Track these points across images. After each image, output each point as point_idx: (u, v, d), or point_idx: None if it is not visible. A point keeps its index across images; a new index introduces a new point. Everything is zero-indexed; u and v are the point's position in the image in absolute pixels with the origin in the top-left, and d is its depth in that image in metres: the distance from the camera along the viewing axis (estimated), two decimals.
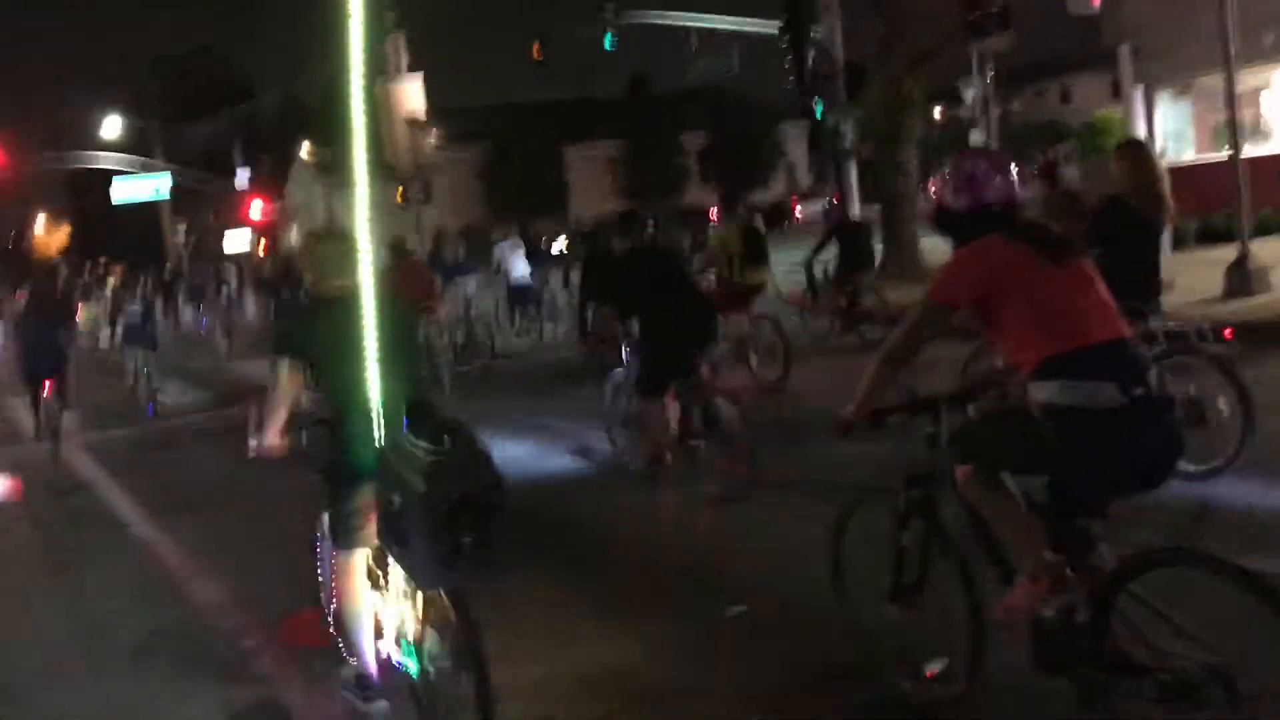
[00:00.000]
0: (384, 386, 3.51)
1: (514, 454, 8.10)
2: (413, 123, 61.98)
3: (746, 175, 57.49)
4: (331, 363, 3.84)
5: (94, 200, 70.98)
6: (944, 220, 3.46)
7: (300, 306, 12.71)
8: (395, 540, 3.39)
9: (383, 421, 3.50)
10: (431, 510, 3.14)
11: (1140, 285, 4.94)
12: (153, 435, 12.53)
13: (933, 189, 3.67)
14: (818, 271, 12.47)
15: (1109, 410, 2.97)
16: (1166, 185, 5.79)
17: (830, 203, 15.22)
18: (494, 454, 3.39)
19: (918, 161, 18.07)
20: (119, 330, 15.52)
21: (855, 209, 18.43)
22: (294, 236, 60.08)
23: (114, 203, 43.09)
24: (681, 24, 26.86)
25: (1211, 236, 14.44)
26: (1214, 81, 13.29)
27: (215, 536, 7.37)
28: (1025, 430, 3.16)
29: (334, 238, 4.16)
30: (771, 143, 59.77)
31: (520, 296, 17.06)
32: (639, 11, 28.13)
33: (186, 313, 30.78)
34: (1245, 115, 15.83)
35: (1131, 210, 5.71)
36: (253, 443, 4.01)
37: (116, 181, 42.10)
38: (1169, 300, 6.09)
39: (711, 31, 26.46)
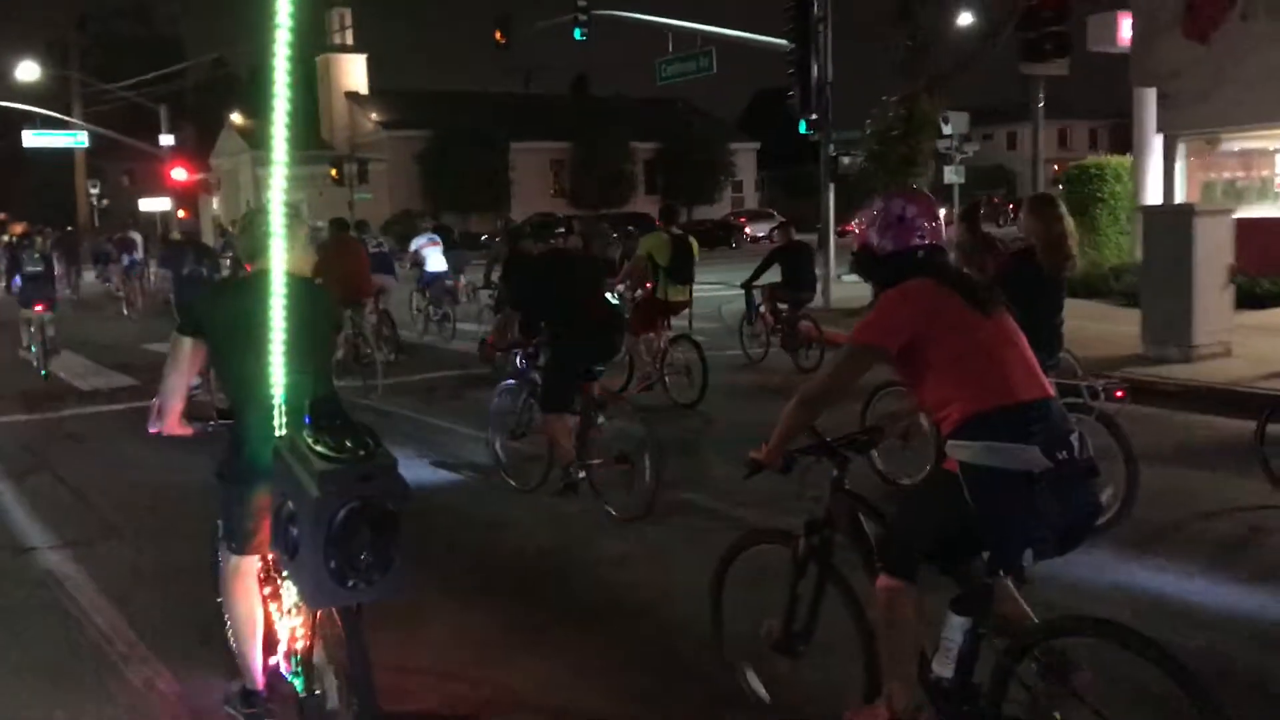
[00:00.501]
0: (288, 378, 3.28)
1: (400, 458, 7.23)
2: (352, 99, 60.44)
3: (693, 189, 56.45)
4: (233, 346, 3.57)
5: (1, 151, 68.02)
6: (866, 261, 3.35)
7: (205, 280, 11.85)
8: (286, 549, 3.12)
9: (283, 417, 3.28)
10: (325, 519, 2.92)
11: (1042, 338, 4.72)
12: (57, 422, 10.63)
13: (856, 227, 3.55)
14: (758, 296, 12.19)
15: (1031, 473, 2.88)
16: (1074, 241, 5.93)
17: (779, 224, 14.24)
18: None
19: (929, 186, 17.06)
20: (15, 286, 14.52)
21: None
22: (216, 205, 57.75)
23: (25, 147, 40.60)
24: (658, 23, 25.62)
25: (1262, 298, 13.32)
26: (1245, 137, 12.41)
27: (147, 562, 6.08)
28: (942, 503, 3.08)
29: (265, 212, 3.70)
30: (721, 159, 58.68)
31: (435, 290, 16.22)
32: (614, 10, 27.06)
33: (88, 276, 29.68)
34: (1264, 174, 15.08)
35: (1039, 263, 5.79)
36: (154, 426, 3.79)
37: (30, 130, 40.66)
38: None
39: (696, 35, 25.28)
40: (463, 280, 17.27)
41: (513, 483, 7.18)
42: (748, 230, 47.57)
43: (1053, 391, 3.14)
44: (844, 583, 3.46)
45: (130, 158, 64.91)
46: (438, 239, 16.71)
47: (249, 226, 3.79)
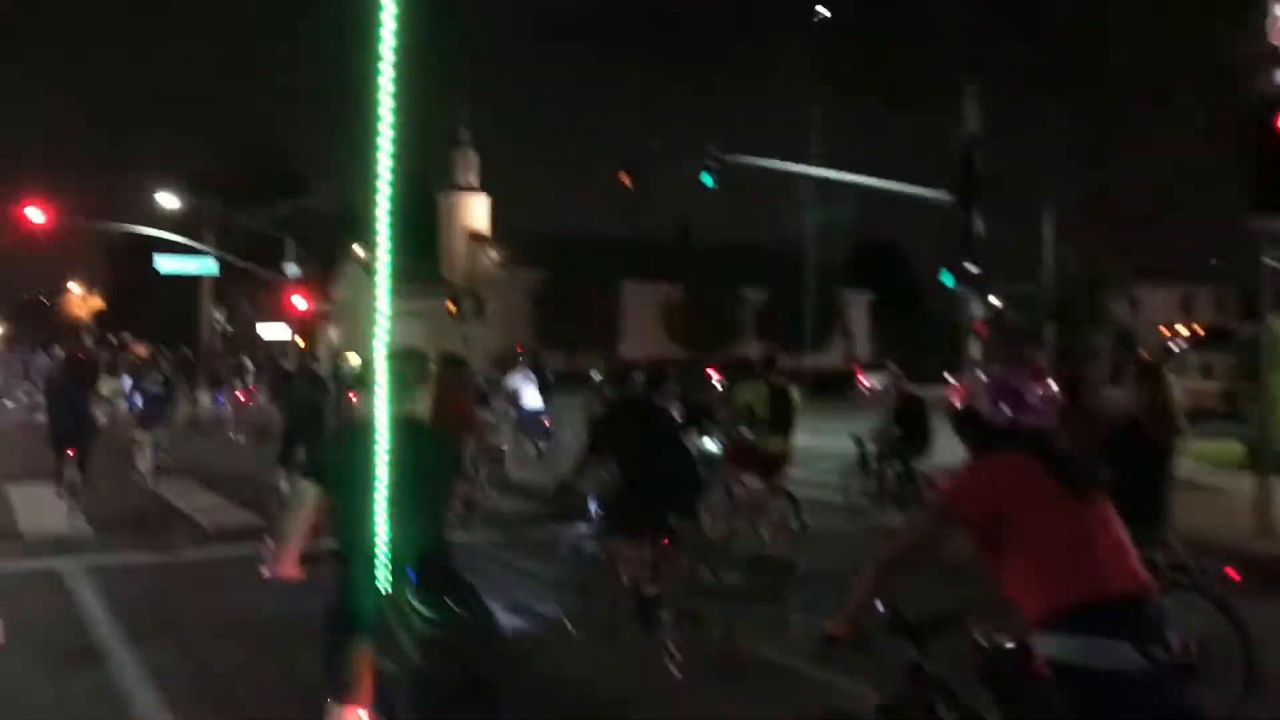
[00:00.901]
0: (399, 528, 3.12)
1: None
2: (473, 238, 61.94)
3: (803, 337, 55.75)
4: (347, 491, 3.52)
5: (132, 274, 71.08)
6: (969, 426, 3.21)
7: (312, 405, 11.93)
8: (384, 712, 3.13)
9: (388, 570, 3.14)
10: (425, 689, 2.95)
11: (1145, 512, 4.57)
12: (183, 569, 9.71)
13: (963, 389, 3.35)
14: (872, 448, 12.06)
15: (1122, 673, 2.69)
16: (1179, 409, 5.82)
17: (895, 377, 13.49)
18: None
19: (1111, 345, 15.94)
20: (134, 406, 15.27)
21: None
22: (334, 335, 58.97)
23: (160, 272, 42.29)
24: (795, 171, 25.35)
25: None
26: None
27: None
28: (1027, 701, 2.89)
29: (410, 356, 3.93)
30: (832, 307, 58.04)
31: (529, 426, 16.53)
32: (748, 156, 27.11)
33: (203, 398, 30.03)
34: None
35: (1144, 433, 5.68)
36: (266, 571, 3.76)
37: (160, 257, 41.60)
38: None
39: (831, 182, 24.93)
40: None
41: (571, 630, 7.06)
42: (862, 381, 46.45)
43: (1150, 583, 2.95)
44: None
45: (254, 285, 67.13)
46: (533, 376, 17.10)
47: (389, 369, 3.58)
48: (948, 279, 17.86)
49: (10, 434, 21.99)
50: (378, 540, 3.14)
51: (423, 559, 3.25)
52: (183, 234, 44.50)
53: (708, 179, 27.16)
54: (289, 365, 22.92)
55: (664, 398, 12.01)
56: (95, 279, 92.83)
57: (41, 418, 13.85)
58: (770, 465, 9.89)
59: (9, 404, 25.52)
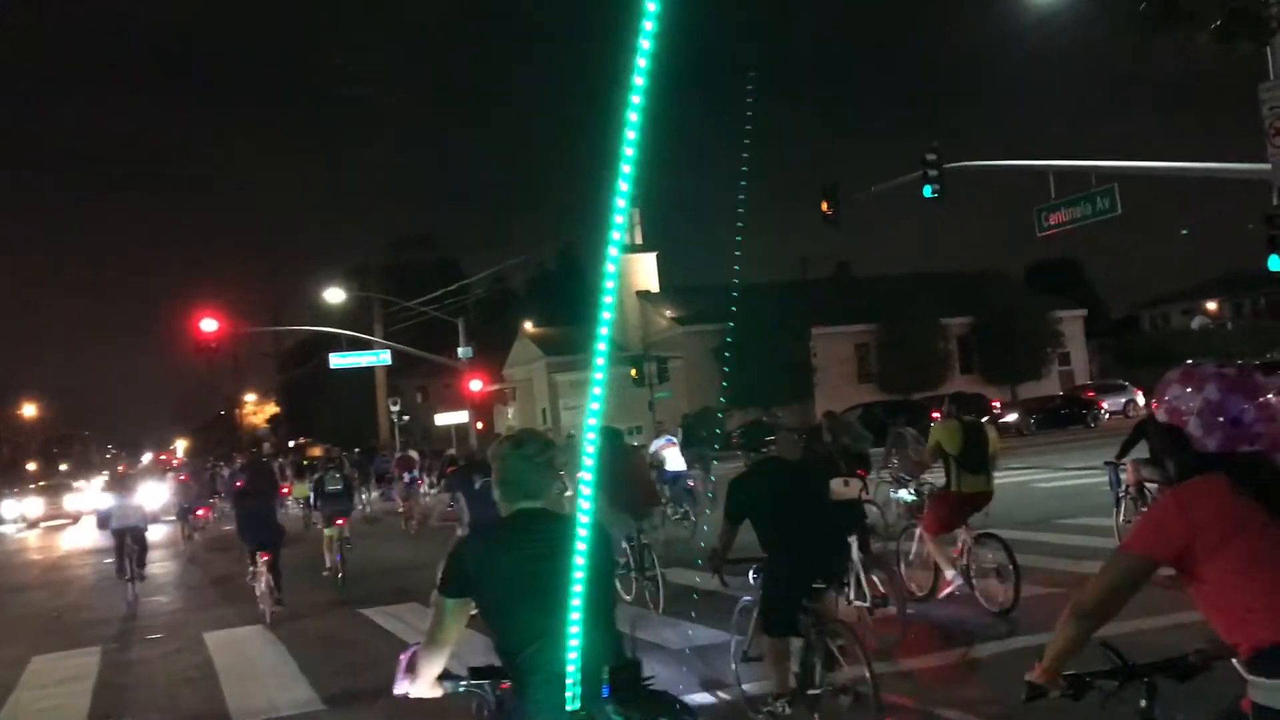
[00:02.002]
0: (583, 637, 2.69)
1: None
2: (644, 298, 59.31)
3: (1015, 365, 51.08)
4: (509, 601, 3.19)
5: (303, 377, 71.91)
6: (1173, 445, 2.83)
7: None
8: None
9: (577, 688, 2.77)
10: None
11: None
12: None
13: (1170, 404, 2.83)
14: (1123, 475, 11.66)
15: None
16: None
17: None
18: None
19: None
20: (315, 504, 16.84)
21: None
22: (511, 416, 57.37)
23: (333, 368, 40.89)
24: (1037, 166, 21.87)
25: None
26: None
27: None
28: None
29: (531, 442, 3.50)
30: (1046, 330, 53.09)
31: (675, 489, 16.98)
32: (973, 160, 23.87)
33: (373, 494, 31.55)
34: None
35: None
36: (401, 687, 3.38)
37: (335, 354, 41.68)
38: None
39: (1079, 174, 21.38)
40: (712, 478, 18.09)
41: (749, 712, 6.80)
42: (1103, 406, 41.53)
43: None
44: None
45: (422, 374, 66.72)
46: (674, 440, 17.94)
47: (499, 460, 3.44)
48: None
49: (200, 555, 22.85)
50: (567, 654, 2.68)
51: (614, 673, 2.93)
52: (351, 329, 44.25)
53: (929, 191, 24.00)
54: (452, 454, 23.21)
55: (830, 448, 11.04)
56: (268, 387, 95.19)
57: (229, 527, 16.09)
58: (972, 506, 9.58)
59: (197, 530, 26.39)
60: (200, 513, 26.67)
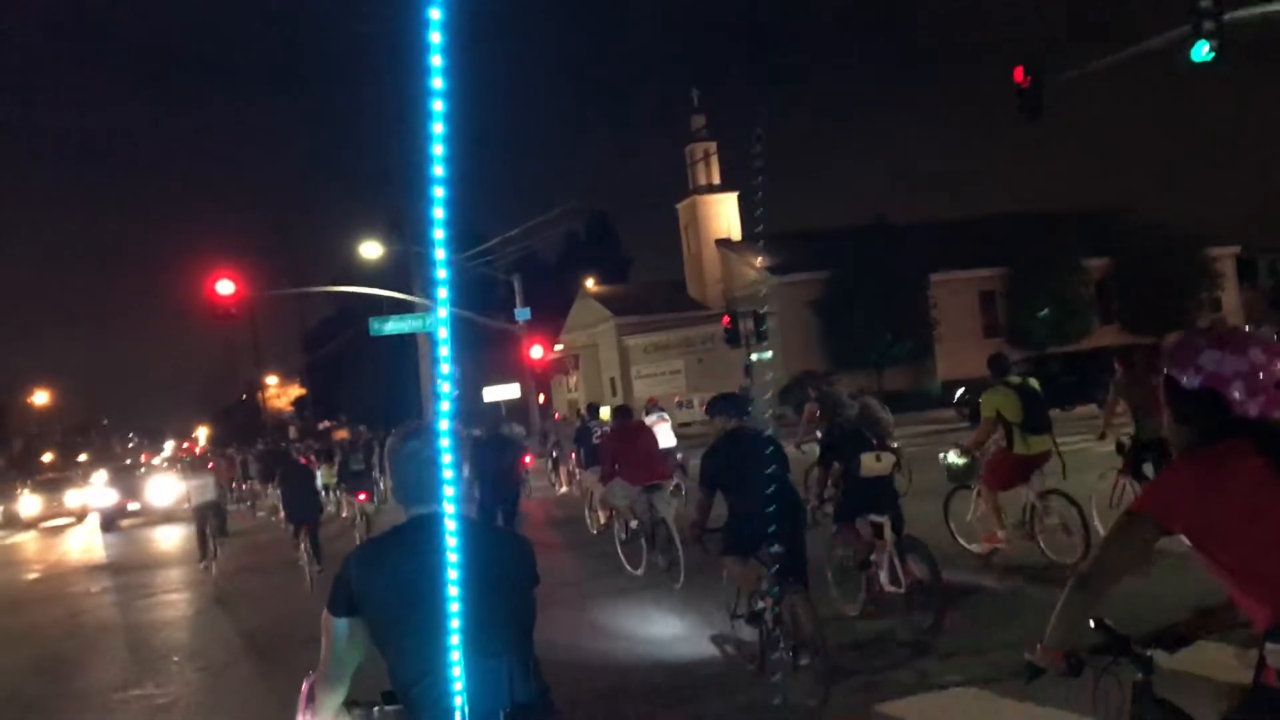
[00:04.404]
0: (473, 665, 2.46)
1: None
2: (724, 246, 52.20)
3: (1162, 311, 44.34)
4: (393, 621, 2.80)
5: (330, 357, 66.54)
6: (1209, 411, 2.75)
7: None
8: None
9: None
10: None
11: None
12: None
13: (1206, 369, 2.76)
14: None
15: None
16: None
17: None
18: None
19: None
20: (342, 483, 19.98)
21: None
22: (573, 386, 51.35)
23: (372, 334, 36.68)
24: None
25: None
26: None
27: None
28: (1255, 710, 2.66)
29: (423, 434, 3.01)
30: (1199, 270, 46.16)
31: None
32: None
33: None
34: None
35: None
36: (302, 716, 2.94)
37: (375, 320, 36.89)
38: None
39: None
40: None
41: (749, 665, 7.27)
42: None
43: None
44: None
45: (462, 347, 60.75)
46: (665, 415, 18.16)
47: (393, 458, 3.01)
48: None
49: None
50: (447, 681, 2.40)
51: (513, 715, 2.65)
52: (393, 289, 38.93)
53: (1201, 49, 17.43)
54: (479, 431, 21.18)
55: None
56: (292, 369, 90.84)
57: (261, 513, 20.58)
58: (1031, 468, 9.67)
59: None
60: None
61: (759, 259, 46.45)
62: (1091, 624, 2.99)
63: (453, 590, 2.28)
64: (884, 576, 8.01)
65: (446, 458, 2.31)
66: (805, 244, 45.41)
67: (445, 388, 2.29)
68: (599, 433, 16.05)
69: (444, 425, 2.31)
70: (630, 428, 12.28)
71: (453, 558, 2.27)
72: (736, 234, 50.08)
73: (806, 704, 6.32)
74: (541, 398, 43.49)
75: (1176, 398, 2.82)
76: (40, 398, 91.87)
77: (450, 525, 2.27)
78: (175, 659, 10.30)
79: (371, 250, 40.04)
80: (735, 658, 7.56)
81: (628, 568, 11.37)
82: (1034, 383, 9.93)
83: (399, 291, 39.24)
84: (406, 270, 46.24)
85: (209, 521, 16.24)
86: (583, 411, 23.91)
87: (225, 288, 30.54)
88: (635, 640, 8.57)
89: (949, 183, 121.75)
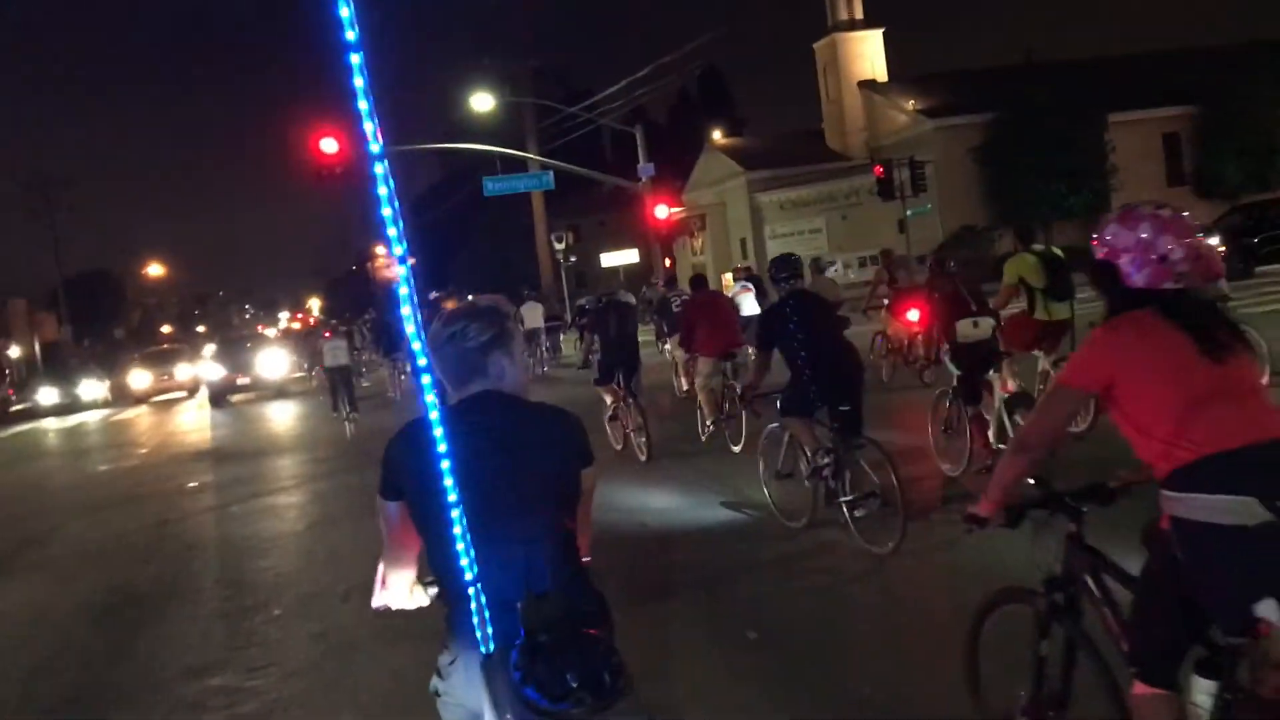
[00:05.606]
0: (498, 552, 2.56)
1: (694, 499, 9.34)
2: (869, 89, 47.44)
3: None
4: (429, 505, 2.60)
5: (440, 222, 64.23)
6: (1106, 282, 3.17)
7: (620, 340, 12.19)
8: None
9: (486, 620, 2.45)
10: None
11: None
12: None
13: (1107, 242, 3.13)
14: None
15: (1245, 527, 2.76)
16: None
17: None
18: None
19: None
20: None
21: None
22: (699, 249, 48.08)
23: (486, 194, 34.50)
24: None
25: None
26: None
27: None
28: (1164, 572, 3.01)
29: (462, 319, 2.90)
30: None
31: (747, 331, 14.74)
32: None
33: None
34: None
35: None
36: (378, 600, 2.96)
37: (489, 180, 33.91)
38: None
39: None
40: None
41: (784, 521, 7.74)
42: None
43: None
44: (1092, 648, 3.32)
45: (573, 212, 58.04)
46: (750, 285, 18.71)
47: (435, 343, 2.86)
48: None
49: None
50: (469, 569, 2.44)
51: (531, 607, 2.46)
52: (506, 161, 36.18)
53: None
54: (584, 301, 23.15)
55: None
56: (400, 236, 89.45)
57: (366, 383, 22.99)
58: (1056, 334, 9.88)
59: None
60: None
61: (910, 101, 41.88)
62: (1031, 481, 3.34)
63: (448, 482, 2.36)
64: (991, 432, 8.42)
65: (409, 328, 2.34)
66: (962, 84, 40.80)
67: (398, 251, 2.33)
68: (678, 303, 16.37)
69: (404, 292, 2.33)
70: (706, 298, 12.67)
71: (441, 448, 2.35)
72: (883, 74, 45.37)
73: (876, 551, 6.72)
74: (668, 262, 40.44)
75: (1091, 268, 3.22)
76: (155, 269, 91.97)
77: (438, 412, 2.35)
78: (276, 612, 7.43)
79: (483, 102, 36.83)
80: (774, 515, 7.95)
81: (701, 433, 11.84)
82: (1058, 250, 10.27)
83: (512, 149, 36.45)
84: (520, 127, 43.33)
85: (339, 386, 18.25)
86: (660, 284, 25.54)
87: (329, 146, 28.81)
88: (689, 498, 9.34)
89: (1119, 13, 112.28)
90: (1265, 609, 2.76)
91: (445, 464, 2.35)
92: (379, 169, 2.25)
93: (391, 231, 2.29)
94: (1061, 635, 3.38)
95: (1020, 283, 9.84)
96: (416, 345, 2.38)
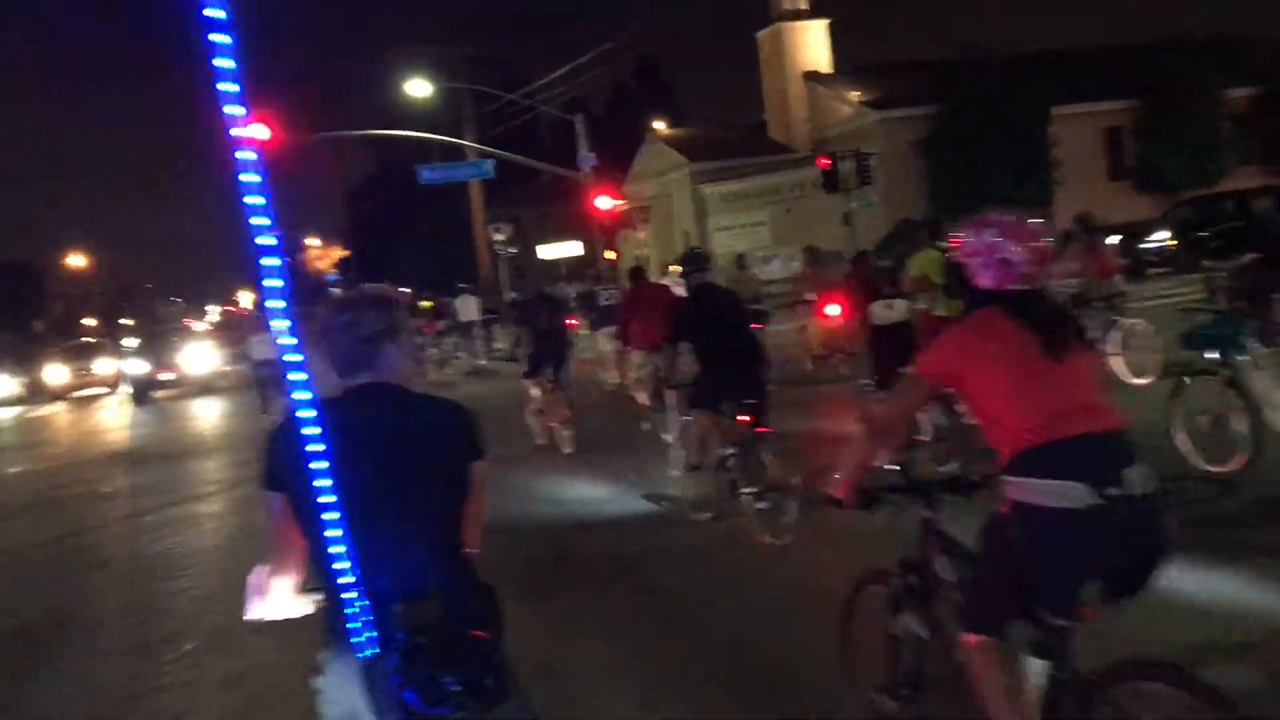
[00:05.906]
0: (382, 545, 2.50)
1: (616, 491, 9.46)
2: (814, 80, 46.98)
3: None
4: (309, 500, 2.47)
5: (376, 215, 62.86)
6: (961, 288, 3.52)
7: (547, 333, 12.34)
8: None
9: (367, 616, 2.42)
10: None
11: None
12: None
13: (962, 248, 3.37)
14: None
15: (1075, 510, 2.93)
16: None
17: None
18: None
19: None
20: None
21: None
22: (642, 241, 47.32)
23: (422, 182, 33.20)
24: None
25: None
26: None
27: None
28: (1001, 551, 3.13)
29: (353, 307, 2.90)
30: None
31: None
32: None
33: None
34: None
35: None
36: (252, 611, 2.75)
37: (424, 170, 32.85)
38: None
39: None
40: None
41: (690, 514, 7.95)
42: None
43: (1118, 423, 3.11)
44: (941, 628, 3.44)
45: (513, 202, 56.94)
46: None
47: (326, 331, 2.86)
48: None
49: None
50: (350, 563, 2.40)
51: (412, 607, 2.41)
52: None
53: None
54: (515, 295, 24.33)
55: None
56: (334, 228, 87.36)
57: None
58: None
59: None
60: None
61: (854, 92, 41.47)
62: (897, 467, 3.52)
63: (325, 481, 2.32)
64: (924, 418, 8.53)
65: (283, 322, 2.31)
66: (907, 76, 40.42)
67: (270, 241, 2.27)
68: (604, 297, 16.77)
69: (274, 284, 2.29)
70: (643, 291, 12.52)
71: (319, 447, 2.31)
72: (827, 66, 44.93)
73: (776, 543, 6.81)
74: (613, 255, 39.54)
75: (948, 270, 4.28)
76: (77, 260, 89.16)
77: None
78: (188, 646, 6.50)
79: (420, 89, 35.82)
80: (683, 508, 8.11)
81: (644, 425, 11.87)
82: None
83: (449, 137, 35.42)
84: (457, 115, 42.26)
85: (268, 385, 17.62)
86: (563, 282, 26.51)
87: (260, 133, 27.60)
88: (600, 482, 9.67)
89: (1060, 5, 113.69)
90: (1089, 591, 2.97)
91: (323, 463, 2.29)
92: (245, 155, 2.15)
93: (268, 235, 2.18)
94: (913, 616, 3.52)
95: (925, 279, 10.01)
96: (289, 339, 2.29)
